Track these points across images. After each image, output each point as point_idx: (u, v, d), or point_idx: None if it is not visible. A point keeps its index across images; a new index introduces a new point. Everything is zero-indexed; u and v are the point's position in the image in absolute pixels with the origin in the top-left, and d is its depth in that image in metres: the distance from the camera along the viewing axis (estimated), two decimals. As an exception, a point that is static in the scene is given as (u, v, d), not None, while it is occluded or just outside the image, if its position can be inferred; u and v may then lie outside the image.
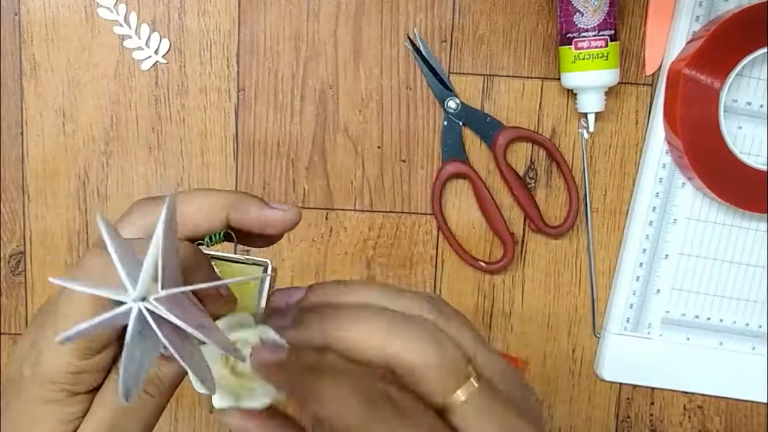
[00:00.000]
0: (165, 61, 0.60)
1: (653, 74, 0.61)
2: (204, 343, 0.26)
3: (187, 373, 0.29)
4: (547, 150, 0.62)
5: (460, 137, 0.61)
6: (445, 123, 0.61)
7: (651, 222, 0.62)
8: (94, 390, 0.31)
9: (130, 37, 0.59)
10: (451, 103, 0.61)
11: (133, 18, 0.59)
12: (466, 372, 0.29)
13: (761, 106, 0.60)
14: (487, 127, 0.61)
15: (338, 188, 0.62)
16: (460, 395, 0.29)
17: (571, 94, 0.61)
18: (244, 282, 0.32)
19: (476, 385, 0.29)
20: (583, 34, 0.57)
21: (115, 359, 0.31)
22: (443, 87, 0.61)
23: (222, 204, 0.33)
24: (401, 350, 0.28)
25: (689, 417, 0.66)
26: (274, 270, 0.33)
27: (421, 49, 0.60)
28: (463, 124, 0.61)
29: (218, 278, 0.31)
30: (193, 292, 0.28)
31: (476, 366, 0.30)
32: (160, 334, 0.25)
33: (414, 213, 0.63)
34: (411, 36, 0.60)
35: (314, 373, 0.28)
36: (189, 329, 0.25)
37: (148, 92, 0.60)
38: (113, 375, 0.31)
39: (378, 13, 0.60)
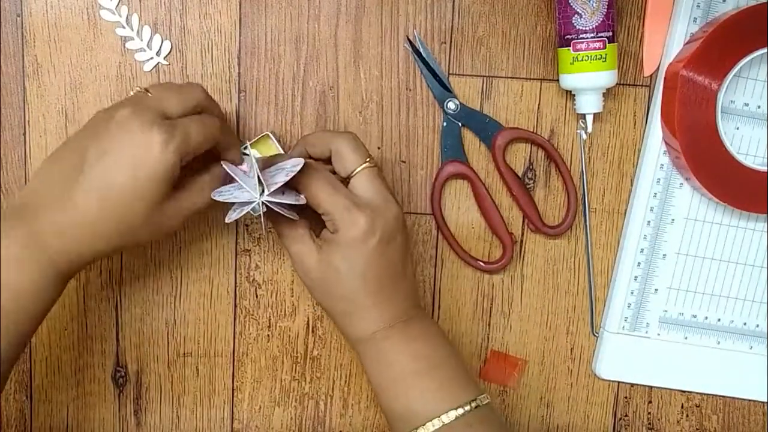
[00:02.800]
0: (167, 63, 0.60)
1: (651, 75, 0.61)
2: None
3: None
4: (545, 151, 0.62)
5: (459, 138, 0.62)
6: (445, 124, 0.61)
7: (649, 222, 0.62)
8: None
9: (132, 38, 0.60)
10: (451, 105, 0.61)
11: (135, 20, 0.60)
12: (363, 160, 0.55)
13: (758, 107, 0.60)
14: (486, 127, 0.61)
15: (338, 188, 0.62)
16: (356, 170, 0.55)
17: (570, 95, 0.61)
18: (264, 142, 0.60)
19: (367, 166, 0.55)
20: (581, 36, 0.57)
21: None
22: (443, 88, 0.61)
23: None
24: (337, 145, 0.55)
25: (687, 415, 0.66)
26: (273, 133, 0.61)
27: (421, 50, 0.60)
28: (463, 125, 0.62)
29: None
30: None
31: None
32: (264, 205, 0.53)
33: (414, 213, 0.63)
34: (410, 38, 0.60)
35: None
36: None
37: (150, 93, 0.61)
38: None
39: (378, 15, 0.60)
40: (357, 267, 0.53)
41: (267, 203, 0.52)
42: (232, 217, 0.53)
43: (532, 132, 0.62)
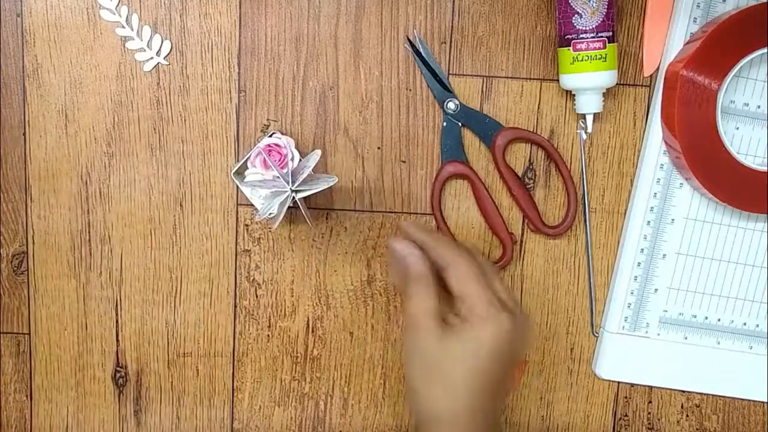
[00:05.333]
0: (166, 63, 0.60)
1: (651, 75, 0.61)
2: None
3: None
4: (545, 150, 0.62)
5: (459, 138, 0.62)
6: (445, 124, 0.61)
7: (649, 222, 0.62)
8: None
9: (132, 38, 0.60)
10: (451, 105, 0.61)
11: (134, 20, 0.60)
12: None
13: (758, 107, 0.60)
14: (486, 128, 0.61)
15: (338, 188, 0.62)
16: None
17: (570, 95, 0.61)
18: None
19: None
20: (581, 36, 0.57)
21: None
22: (443, 88, 0.61)
23: None
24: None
25: (687, 415, 0.66)
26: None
27: (421, 50, 0.60)
28: (463, 125, 0.62)
29: None
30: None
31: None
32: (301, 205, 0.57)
33: (414, 213, 0.63)
34: (411, 38, 0.60)
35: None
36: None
37: (150, 93, 0.61)
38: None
39: (378, 15, 0.60)
40: (476, 367, 0.50)
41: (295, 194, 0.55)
42: (262, 214, 0.57)
43: (532, 132, 0.62)
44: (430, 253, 0.54)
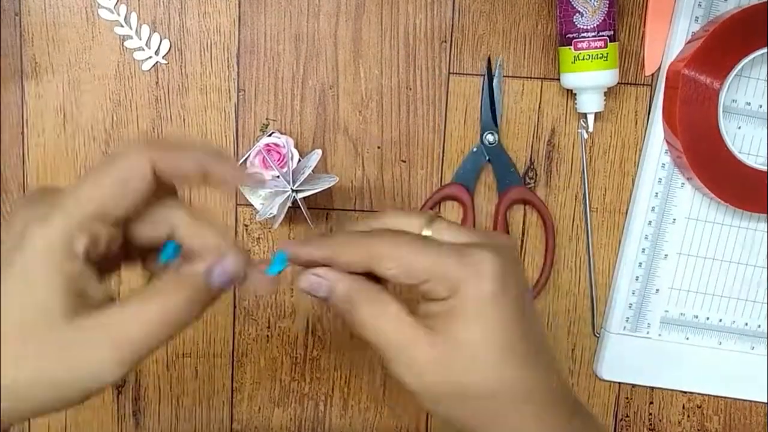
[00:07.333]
0: (165, 62, 0.60)
1: (653, 75, 0.61)
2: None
3: None
4: (541, 215, 0.62)
5: (477, 170, 0.61)
6: (474, 149, 0.61)
7: (650, 222, 0.62)
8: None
9: (131, 37, 0.59)
10: (489, 137, 0.61)
11: (133, 18, 0.59)
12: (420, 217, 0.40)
13: (760, 106, 0.60)
14: (506, 175, 0.61)
15: (338, 188, 0.62)
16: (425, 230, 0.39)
17: (571, 94, 0.61)
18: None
19: (431, 215, 0.40)
20: (582, 35, 0.57)
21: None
22: (492, 119, 0.61)
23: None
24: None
25: (688, 416, 0.66)
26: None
27: (495, 75, 0.60)
28: (488, 161, 0.61)
29: None
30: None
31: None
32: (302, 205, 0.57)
33: (414, 213, 0.63)
34: (492, 61, 0.60)
35: None
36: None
37: (149, 93, 0.60)
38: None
39: (378, 14, 0.60)
40: (498, 332, 0.36)
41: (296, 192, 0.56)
42: (264, 213, 0.57)
43: (542, 201, 0.61)
44: (340, 262, 0.39)
